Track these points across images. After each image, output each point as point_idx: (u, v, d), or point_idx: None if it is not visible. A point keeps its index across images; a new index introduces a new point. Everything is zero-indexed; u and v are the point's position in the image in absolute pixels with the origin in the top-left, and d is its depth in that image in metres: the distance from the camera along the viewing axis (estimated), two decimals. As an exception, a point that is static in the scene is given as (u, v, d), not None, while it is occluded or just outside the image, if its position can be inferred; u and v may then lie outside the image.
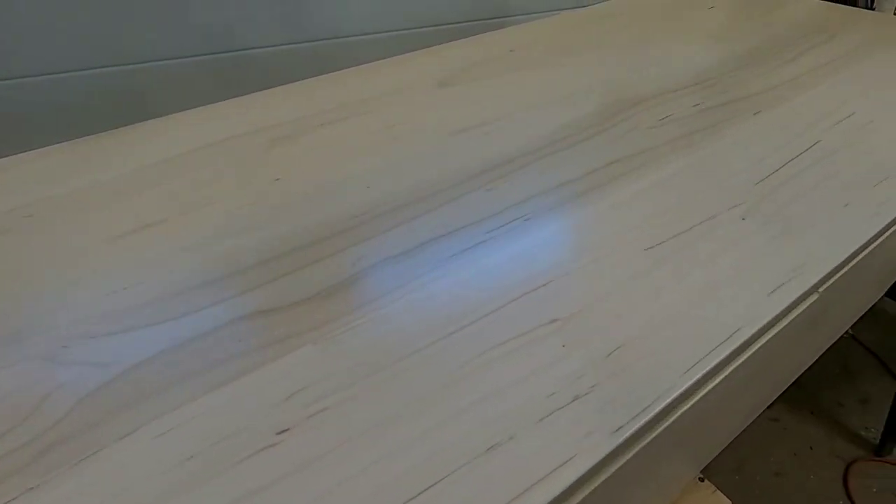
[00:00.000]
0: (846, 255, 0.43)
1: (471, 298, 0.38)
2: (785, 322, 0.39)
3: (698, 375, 0.33)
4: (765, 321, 0.36)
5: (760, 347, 0.37)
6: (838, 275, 0.45)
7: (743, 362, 0.36)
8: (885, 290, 1.12)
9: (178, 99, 1.34)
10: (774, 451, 1.69)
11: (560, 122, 0.60)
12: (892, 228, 0.50)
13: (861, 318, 1.62)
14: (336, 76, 0.71)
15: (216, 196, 0.48)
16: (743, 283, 0.39)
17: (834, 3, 0.96)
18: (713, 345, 0.34)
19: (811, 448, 1.72)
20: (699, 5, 0.96)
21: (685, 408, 0.32)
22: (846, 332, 2.13)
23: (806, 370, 1.85)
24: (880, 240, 0.47)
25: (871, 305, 1.13)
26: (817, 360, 2.07)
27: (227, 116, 0.61)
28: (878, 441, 1.70)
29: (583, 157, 0.54)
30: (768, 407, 2.02)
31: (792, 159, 0.53)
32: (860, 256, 0.47)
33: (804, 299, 0.42)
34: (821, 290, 0.45)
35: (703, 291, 0.38)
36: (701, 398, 0.34)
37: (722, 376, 0.34)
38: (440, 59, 0.77)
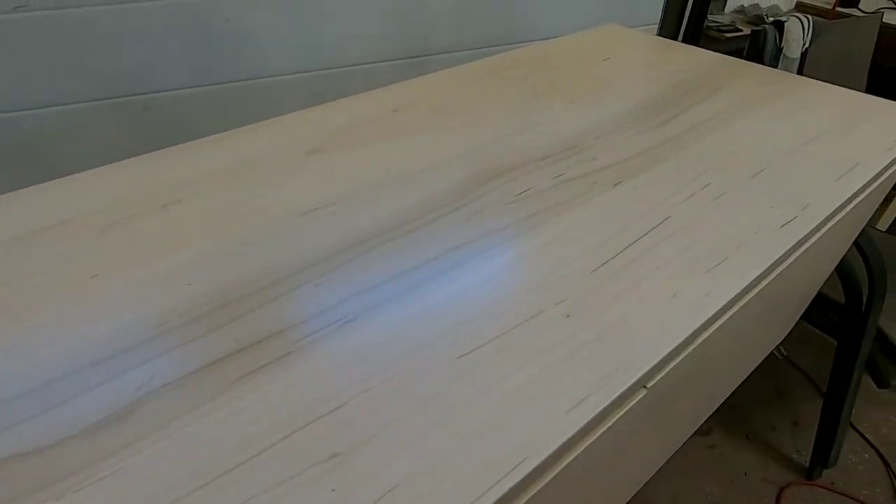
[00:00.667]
0: (662, 356, 0.42)
1: (253, 429, 0.36)
2: (593, 437, 0.38)
3: (470, 521, 0.31)
4: (556, 446, 0.35)
5: (563, 469, 0.36)
6: (667, 369, 0.45)
7: (538, 491, 0.34)
8: (783, 336, 1.14)
9: (77, 146, 1.28)
10: (710, 479, 1.71)
11: (417, 199, 0.58)
12: (728, 313, 0.50)
13: (794, 340, 1.65)
14: (197, 144, 0.68)
15: (6, 304, 0.44)
16: (545, 399, 0.37)
17: (729, 56, 0.99)
18: (492, 481, 0.32)
19: (745, 474, 1.75)
20: (596, 57, 0.97)
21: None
22: (780, 354, 2.19)
23: (741, 393, 1.88)
24: (708, 332, 0.47)
25: (766, 354, 1.14)
26: (752, 383, 2.12)
27: (61, 197, 0.57)
28: (808, 464, 1.74)
29: (428, 241, 0.52)
30: (705, 434, 2.03)
31: (635, 241, 0.52)
32: (691, 348, 0.46)
33: (624, 402, 0.41)
34: (649, 385, 0.44)
35: (499, 412, 0.37)
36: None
37: (503, 514, 0.32)
38: (318, 121, 0.74)
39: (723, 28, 1.90)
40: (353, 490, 0.32)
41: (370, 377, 0.39)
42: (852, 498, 1.74)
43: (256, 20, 1.30)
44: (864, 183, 0.61)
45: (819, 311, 1.55)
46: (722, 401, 0.88)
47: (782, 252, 0.51)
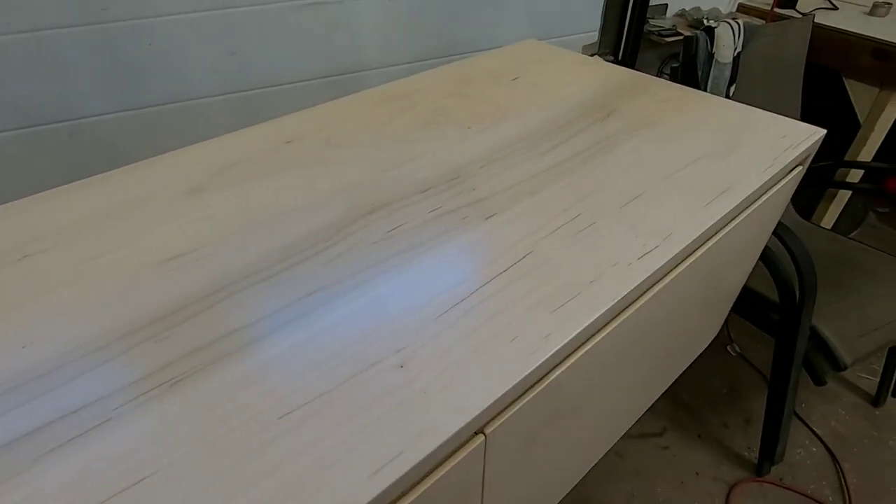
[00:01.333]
0: (490, 403, 0.42)
1: (49, 507, 0.35)
2: (416, 494, 0.38)
3: None
4: (353, 512, 0.34)
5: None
6: (508, 413, 0.45)
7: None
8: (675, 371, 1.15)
9: (1, 176, 1.26)
10: (662, 480, 1.73)
11: (286, 240, 0.58)
12: (581, 351, 0.50)
13: (748, 336, 1.67)
14: (75, 187, 0.66)
15: None
16: (353, 461, 0.37)
17: (636, 72, 1.00)
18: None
19: (697, 474, 1.77)
20: (505, 77, 0.97)
21: None
22: (734, 351, 2.22)
23: (694, 392, 1.89)
24: (558, 372, 0.47)
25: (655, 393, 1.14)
26: (706, 382, 2.14)
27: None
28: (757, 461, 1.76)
29: (282, 288, 0.52)
30: (658, 435, 2.05)
31: (490, 280, 0.52)
32: (537, 390, 0.47)
33: (454, 453, 0.41)
34: (488, 431, 0.44)
35: (305, 477, 0.36)
36: None
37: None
38: (206, 157, 0.74)
39: (663, 32, 1.93)
40: (133, 572, 0.32)
41: (182, 444, 0.38)
42: (799, 492, 1.78)
43: (179, 43, 1.28)
44: (732, 208, 0.62)
45: (759, 310, 1.58)
46: (626, 428, 0.89)
47: (635, 285, 0.52)
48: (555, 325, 0.47)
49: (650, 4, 1.96)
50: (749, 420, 1.88)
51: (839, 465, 1.82)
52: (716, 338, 2.22)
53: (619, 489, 1.71)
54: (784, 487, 1.79)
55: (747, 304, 1.62)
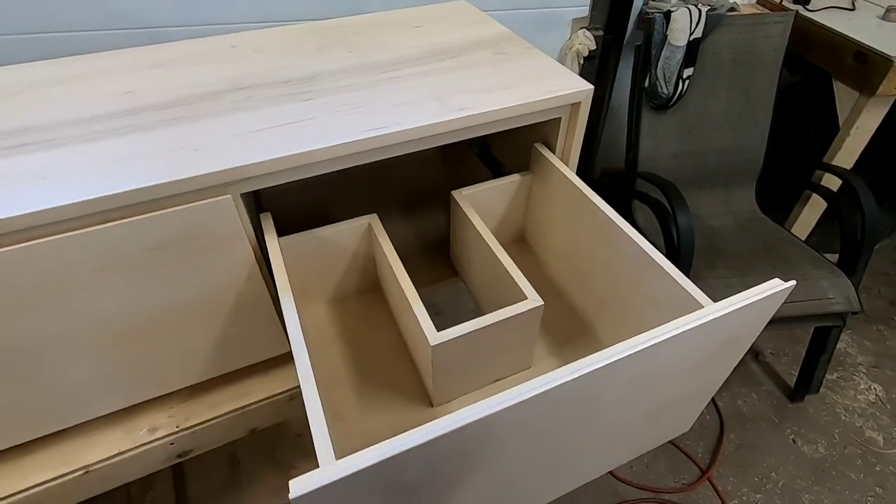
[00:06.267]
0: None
1: None
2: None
3: None
4: None
5: None
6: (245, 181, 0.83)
7: None
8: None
9: None
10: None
11: (186, 94, 0.99)
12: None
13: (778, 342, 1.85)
14: (90, 56, 1.12)
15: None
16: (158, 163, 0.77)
17: (511, 33, 1.25)
18: None
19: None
20: (410, 25, 1.29)
21: None
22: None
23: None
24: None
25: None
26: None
27: None
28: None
29: (171, 112, 0.93)
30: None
31: (285, 124, 0.89)
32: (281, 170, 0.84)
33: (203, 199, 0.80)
34: (231, 191, 0.83)
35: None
36: None
37: None
38: (175, 49, 1.16)
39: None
40: None
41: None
42: (673, 443, 1.96)
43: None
44: (462, 117, 0.92)
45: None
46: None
47: (358, 139, 0.85)
48: (310, 144, 0.84)
49: (656, -13, 2.07)
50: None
51: (723, 434, 1.97)
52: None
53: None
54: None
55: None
